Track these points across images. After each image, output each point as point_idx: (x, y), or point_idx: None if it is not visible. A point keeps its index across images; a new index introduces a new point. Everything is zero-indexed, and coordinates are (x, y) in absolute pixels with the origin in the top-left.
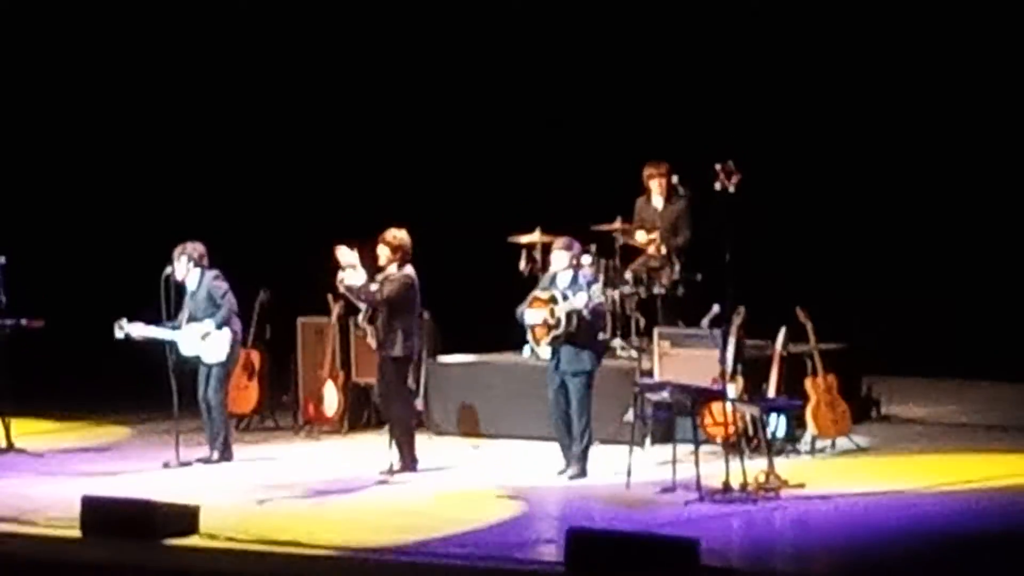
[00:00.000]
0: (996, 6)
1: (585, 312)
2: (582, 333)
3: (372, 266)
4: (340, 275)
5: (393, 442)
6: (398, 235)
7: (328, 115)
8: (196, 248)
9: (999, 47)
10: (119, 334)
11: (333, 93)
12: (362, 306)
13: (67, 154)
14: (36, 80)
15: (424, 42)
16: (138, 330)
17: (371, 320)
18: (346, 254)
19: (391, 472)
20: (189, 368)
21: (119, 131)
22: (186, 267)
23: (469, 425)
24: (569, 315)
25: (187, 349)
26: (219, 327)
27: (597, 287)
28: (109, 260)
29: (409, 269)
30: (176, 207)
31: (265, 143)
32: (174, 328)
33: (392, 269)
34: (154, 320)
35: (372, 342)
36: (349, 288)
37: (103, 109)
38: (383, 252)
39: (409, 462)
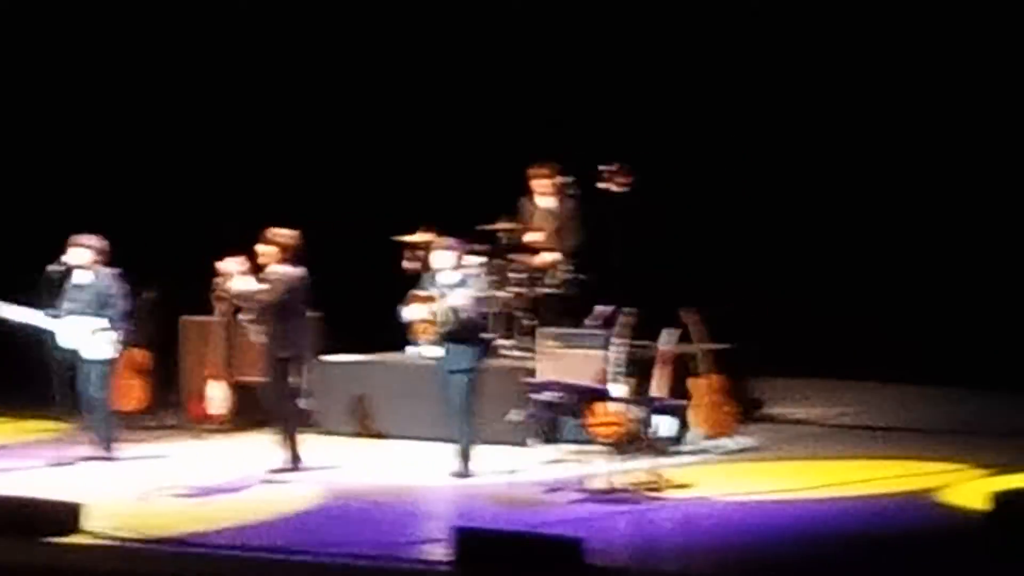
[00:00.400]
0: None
1: (466, 310)
2: (463, 331)
3: (257, 266)
4: (227, 283)
5: (280, 441)
6: (284, 233)
7: (217, 114)
8: (101, 242)
9: (921, 39)
10: None
11: (222, 91)
12: (248, 306)
13: None
14: None
15: (312, 40)
16: (8, 311)
17: (258, 320)
18: (229, 264)
19: (278, 471)
20: (72, 363)
21: (9, 124)
22: (85, 258)
23: (356, 424)
24: (450, 312)
25: (65, 341)
26: (113, 326)
27: (477, 284)
28: None
29: (297, 268)
30: (62, 203)
31: (153, 141)
32: (52, 316)
33: (278, 268)
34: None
35: (260, 340)
36: (237, 295)
37: None
38: (268, 251)
39: (294, 461)
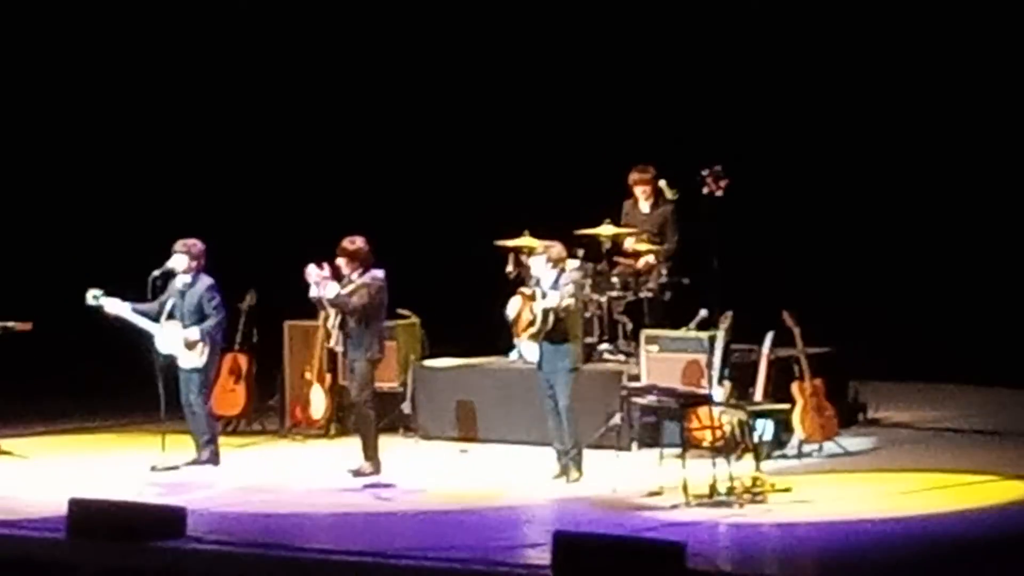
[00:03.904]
0: (988, 11)
1: (561, 311)
2: (559, 331)
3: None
4: (315, 291)
5: (363, 445)
6: (355, 242)
7: (319, 119)
8: (197, 245)
9: (990, 51)
10: (91, 301)
11: (324, 97)
12: (332, 311)
13: (53, 156)
14: (22, 81)
15: (411, 46)
16: (115, 307)
17: (341, 326)
18: (313, 272)
19: (359, 473)
20: (174, 371)
21: (108, 132)
22: (183, 263)
23: (457, 429)
24: (545, 313)
25: (164, 346)
26: (203, 338)
27: (568, 287)
28: (97, 263)
29: (377, 272)
30: (165, 208)
31: (256, 144)
32: (152, 319)
33: (355, 276)
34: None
35: (339, 348)
36: (329, 301)
37: (90, 110)
38: (342, 261)
39: (374, 466)
